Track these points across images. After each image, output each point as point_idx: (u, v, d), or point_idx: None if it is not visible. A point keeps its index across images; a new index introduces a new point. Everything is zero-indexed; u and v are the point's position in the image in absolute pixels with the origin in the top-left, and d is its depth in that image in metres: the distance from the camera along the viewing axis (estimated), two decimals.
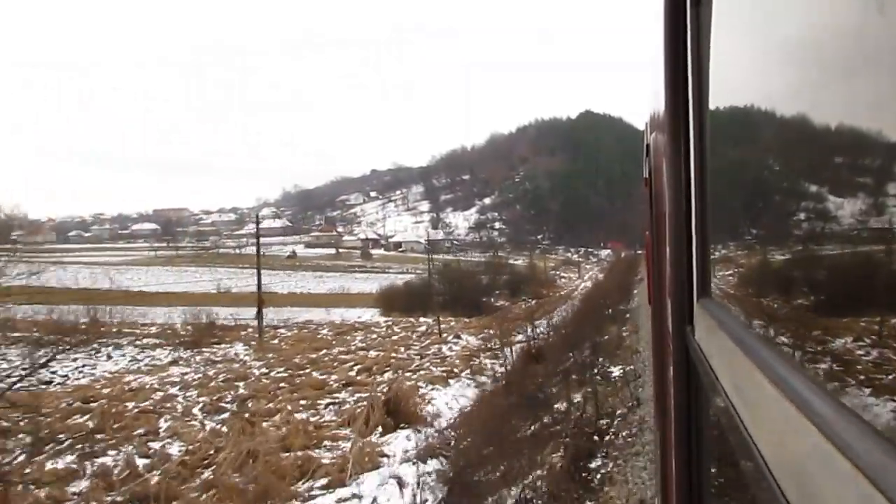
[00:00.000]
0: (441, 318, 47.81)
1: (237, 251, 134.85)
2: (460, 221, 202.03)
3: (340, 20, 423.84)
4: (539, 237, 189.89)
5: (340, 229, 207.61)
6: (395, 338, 35.71)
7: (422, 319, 46.07)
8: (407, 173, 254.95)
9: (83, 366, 29.64)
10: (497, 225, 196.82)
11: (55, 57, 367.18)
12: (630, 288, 58.64)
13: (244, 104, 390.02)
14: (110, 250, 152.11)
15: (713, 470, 1.38)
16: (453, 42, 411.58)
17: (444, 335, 35.26)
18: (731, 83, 1.03)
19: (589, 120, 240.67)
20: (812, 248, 0.78)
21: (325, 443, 15.45)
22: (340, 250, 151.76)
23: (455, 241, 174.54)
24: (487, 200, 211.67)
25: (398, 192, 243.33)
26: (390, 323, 44.16)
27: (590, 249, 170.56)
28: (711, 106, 1.19)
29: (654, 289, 2.28)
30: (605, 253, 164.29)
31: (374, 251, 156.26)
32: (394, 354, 28.64)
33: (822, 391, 0.56)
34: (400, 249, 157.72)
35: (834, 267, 0.69)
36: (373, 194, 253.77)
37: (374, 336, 36.77)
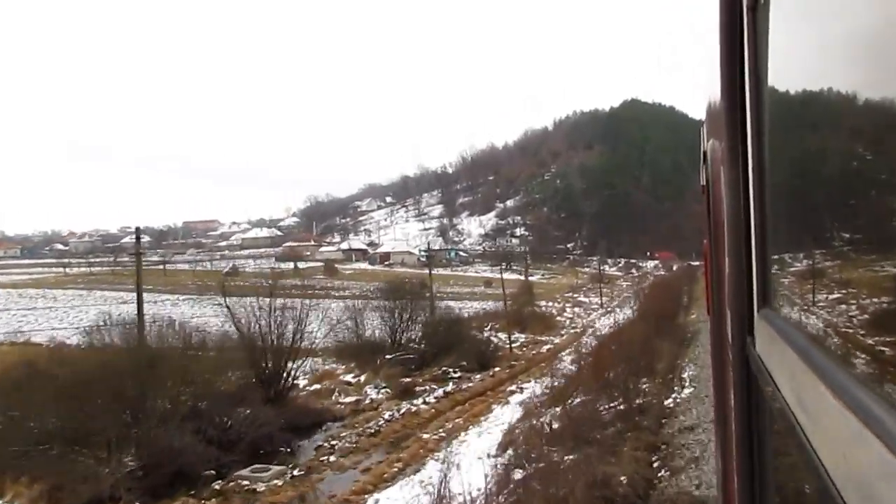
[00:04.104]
0: None
1: (162, 267, 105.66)
2: (474, 228, 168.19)
3: (373, 21, 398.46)
4: (569, 245, 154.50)
5: (337, 238, 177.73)
6: None
7: None
8: (434, 177, 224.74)
9: None
10: (519, 231, 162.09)
11: (84, 64, 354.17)
12: (681, 339, 25.06)
13: (284, 115, 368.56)
14: (42, 266, 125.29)
15: (775, 484, 1.34)
16: (488, 33, 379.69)
17: None
18: (790, 87, 1.01)
19: (634, 109, 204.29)
20: (874, 254, 0.75)
21: None
22: (311, 264, 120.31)
23: (460, 252, 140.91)
24: (510, 203, 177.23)
25: (415, 198, 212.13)
26: None
27: (631, 260, 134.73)
28: (770, 109, 1.15)
29: (713, 299, 2.23)
30: (651, 265, 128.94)
31: (354, 265, 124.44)
32: None
33: (890, 407, 0.53)
34: (387, 262, 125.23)
35: None
36: (389, 199, 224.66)
37: None
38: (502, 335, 44.43)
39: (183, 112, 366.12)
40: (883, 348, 0.67)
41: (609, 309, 62.76)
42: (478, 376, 29.85)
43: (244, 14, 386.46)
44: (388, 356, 31.01)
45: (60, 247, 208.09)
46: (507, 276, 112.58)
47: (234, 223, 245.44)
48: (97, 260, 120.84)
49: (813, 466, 0.71)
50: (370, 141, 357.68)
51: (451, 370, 30.73)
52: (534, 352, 37.71)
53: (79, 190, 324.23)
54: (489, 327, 46.70)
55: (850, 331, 0.81)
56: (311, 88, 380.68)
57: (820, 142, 0.97)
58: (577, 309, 65.55)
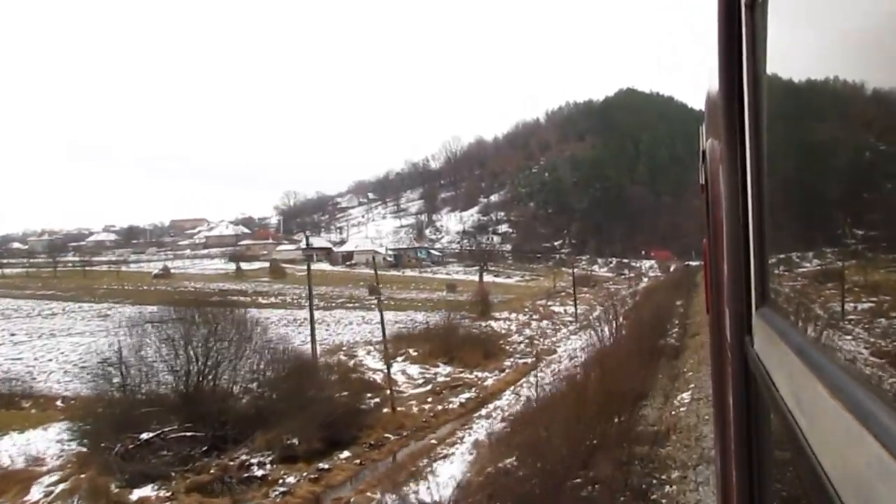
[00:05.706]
0: None
1: (83, 268, 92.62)
2: (454, 224, 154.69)
3: (370, 19, 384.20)
4: (556, 244, 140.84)
5: (308, 234, 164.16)
6: None
7: None
8: (417, 172, 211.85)
9: None
10: (501, 228, 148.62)
11: (83, 65, 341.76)
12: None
13: (283, 116, 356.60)
14: None
15: (774, 484, 1.34)
16: (484, 27, 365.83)
17: None
18: (789, 85, 1.02)
19: (630, 98, 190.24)
20: (872, 252, 0.75)
21: None
22: (262, 265, 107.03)
23: (432, 251, 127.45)
24: (494, 198, 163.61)
25: (398, 194, 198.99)
26: None
27: (624, 260, 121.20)
28: (769, 107, 1.16)
29: (712, 298, 2.23)
30: (646, 265, 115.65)
31: (314, 266, 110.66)
32: None
33: (887, 406, 0.53)
34: (350, 263, 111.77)
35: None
36: (371, 195, 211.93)
37: None
38: (415, 369, 31.06)
39: (182, 113, 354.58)
40: (880, 347, 0.67)
41: (584, 324, 49.35)
42: (291, 479, 16.33)
43: (247, 16, 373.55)
44: (148, 434, 17.56)
45: (19, 245, 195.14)
46: (484, 277, 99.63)
47: (222, 221, 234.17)
48: (13, 261, 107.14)
49: (810, 465, 0.70)
50: (368, 139, 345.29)
51: (258, 459, 17.32)
52: (438, 407, 24.11)
53: (77, 190, 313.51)
54: (404, 357, 33.35)
55: (848, 330, 0.81)
56: (309, 89, 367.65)
57: (818, 140, 0.96)
58: (544, 323, 51.88)
